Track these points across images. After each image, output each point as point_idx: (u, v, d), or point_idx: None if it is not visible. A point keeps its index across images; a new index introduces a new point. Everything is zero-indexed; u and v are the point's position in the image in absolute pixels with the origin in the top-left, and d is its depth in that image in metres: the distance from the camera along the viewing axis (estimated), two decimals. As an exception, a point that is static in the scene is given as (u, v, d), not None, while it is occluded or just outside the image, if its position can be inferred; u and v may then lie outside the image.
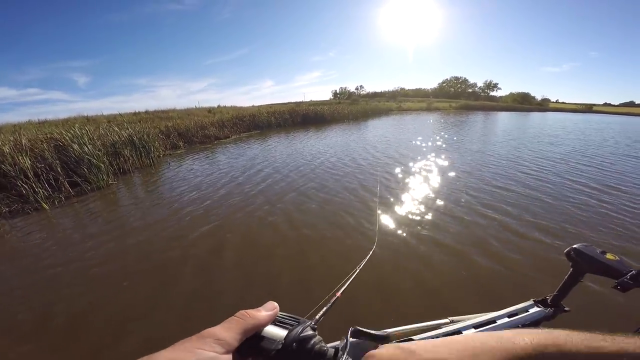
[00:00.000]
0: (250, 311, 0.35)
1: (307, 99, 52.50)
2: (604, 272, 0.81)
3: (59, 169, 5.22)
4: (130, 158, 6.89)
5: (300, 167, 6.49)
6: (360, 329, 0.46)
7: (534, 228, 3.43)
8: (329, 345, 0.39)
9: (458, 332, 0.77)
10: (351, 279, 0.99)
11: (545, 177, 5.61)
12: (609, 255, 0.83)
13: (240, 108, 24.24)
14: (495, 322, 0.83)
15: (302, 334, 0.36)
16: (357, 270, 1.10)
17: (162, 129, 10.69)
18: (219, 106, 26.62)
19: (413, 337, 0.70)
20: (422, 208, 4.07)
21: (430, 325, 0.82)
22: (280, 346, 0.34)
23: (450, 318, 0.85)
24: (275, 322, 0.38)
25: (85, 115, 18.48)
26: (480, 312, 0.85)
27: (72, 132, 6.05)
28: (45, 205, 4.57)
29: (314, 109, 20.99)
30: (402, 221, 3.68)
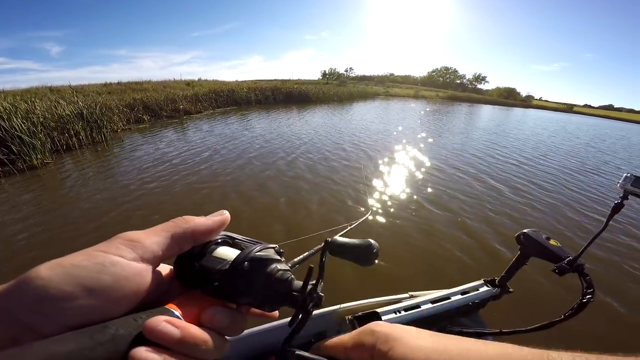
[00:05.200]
0: (188, 216, 0.27)
1: (296, 77, 50.96)
2: (546, 256, 0.87)
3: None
4: (80, 134, 6.23)
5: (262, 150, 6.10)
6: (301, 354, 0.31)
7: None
8: None
9: (417, 306, 0.83)
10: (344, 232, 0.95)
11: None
12: (552, 241, 0.89)
13: (222, 82, 23.03)
14: (450, 299, 0.89)
15: (258, 253, 0.27)
16: (349, 228, 1.07)
17: (129, 102, 9.86)
18: (199, 79, 25.23)
19: (377, 310, 0.76)
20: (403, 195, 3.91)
21: (392, 299, 0.89)
22: (227, 266, 0.26)
23: (410, 293, 0.92)
24: (231, 244, 0.30)
25: (50, 85, 16.85)
26: (440, 289, 0.92)
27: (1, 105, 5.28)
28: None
29: (299, 88, 20.29)
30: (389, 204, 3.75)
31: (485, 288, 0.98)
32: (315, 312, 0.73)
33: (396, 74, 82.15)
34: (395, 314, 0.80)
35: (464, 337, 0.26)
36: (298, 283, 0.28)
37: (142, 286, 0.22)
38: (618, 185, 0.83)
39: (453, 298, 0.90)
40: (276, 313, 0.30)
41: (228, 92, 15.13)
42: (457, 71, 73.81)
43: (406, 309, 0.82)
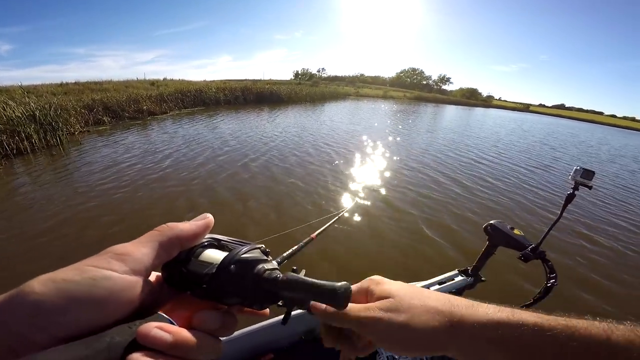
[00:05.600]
0: (172, 223, 0.27)
1: (267, 77, 50.47)
2: (511, 245, 0.94)
3: None
4: (33, 137, 5.89)
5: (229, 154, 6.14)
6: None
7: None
8: None
9: None
10: (328, 224, 1.50)
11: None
12: (516, 231, 0.97)
13: (189, 82, 22.32)
14: (429, 289, 0.93)
15: (244, 255, 0.27)
16: (334, 220, 1.69)
17: (88, 103, 9.36)
18: (165, 79, 24.21)
19: None
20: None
21: None
22: (214, 270, 0.26)
23: None
24: (217, 246, 0.30)
25: None
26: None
27: None
28: None
29: (270, 88, 20.15)
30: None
31: (460, 277, 1.05)
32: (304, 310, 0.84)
33: (366, 74, 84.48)
34: None
35: (431, 291, 0.36)
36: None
37: (135, 296, 0.23)
38: (569, 177, 0.91)
39: (432, 288, 0.95)
40: (267, 311, 0.31)
41: (195, 92, 14.75)
42: (423, 72, 77.16)
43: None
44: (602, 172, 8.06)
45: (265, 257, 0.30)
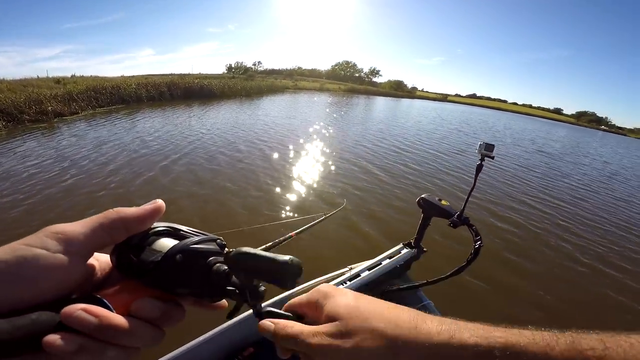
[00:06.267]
0: (119, 207, 0.28)
1: (196, 72, 47.44)
2: (441, 214, 1.05)
3: None
4: None
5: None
6: (270, 310, 0.34)
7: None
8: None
9: (357, 275, 0.96)
10: (309, 225, 1.19)
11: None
12: (443, 202, 1.07)
13: (103, 78, 19.98)
14: (381, 263, 1.05)
15: (194, 245, 0.27)
16: (318, 221, 1.23)
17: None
18: (73, 76, 21.18)
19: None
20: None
21: (336, 274, 1.00)
22: (159, 258, 0.26)
23: (350, 266, 1.02)
24: (173, 235, 0.30)
25: None
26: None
27: None
28: None
29: (200, 83, 19.20)
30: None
31: (405, 250, 1.14)
32: (267, 302, 0.83)
33: (304, 67, 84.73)
34: (343, 284, 0.95)
35: (377, 299, 0.34)
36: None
37: (70, 277, 0.23)
38: (476, 151, 1.05)
39: (383, 263, 1.06)
40: (223, 303, 0.31)
41: (112, 89, 13.46)
42: (356, 65, 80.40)
43: (350, 279, 0.97)
44: (508, 154, 9.97)
45: (220, 250, 0.29)
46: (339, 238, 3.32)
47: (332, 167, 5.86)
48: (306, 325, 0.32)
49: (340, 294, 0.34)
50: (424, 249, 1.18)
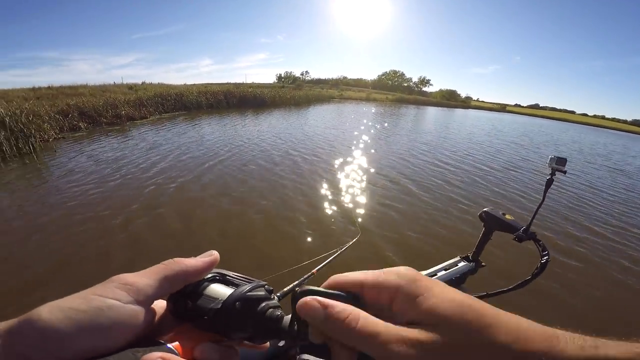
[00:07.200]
0: (179, 258, 0.29)
1: (249, 81, 50.18)
2: (505, 228, 1.02)
3: None
4: (3, 144, 5.63)
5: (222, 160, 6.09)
6: (312, 287, 0.29)
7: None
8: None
9: None
10: (330, 260, 1.09)
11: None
12: (507, 216, 1.04)
13: (168, 86, 21.88)
14: (436, 274, 1.02)
15: (249, 293, 0.29)
16: (339, 252, 1.15)
17: (62, 108, 9.04)
18: (143, 83, 23.61)
19: None
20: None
21: None
22: (219, 305, 0.27)
23: None
24: (223, 281, 0.31)
25: None
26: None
27: None
28: None
29: (254, 92, 20.09)
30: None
31: (462, 263, 1.12)
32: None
33: (349, 77, 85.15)
34: None
35: (483, 302, 0.24)
36: (287, 318, 0.29)
37: (137, 325, 0.24)
38: (547, 165, 1.02)
39: (439, 274, 1.03)
40: (267, 344, 0.32)
41: (176, 96, 14.52)
42: (404, 74, 78.51)
43: None
44: (574, 171, 8.41)
45: (269, 295, 0.31)
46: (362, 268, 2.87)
47: (369, 185, 5.15)
48: (387, 324, 0.23)
49: (436, 284, 0.25)
50: (482, 264, 1.13)
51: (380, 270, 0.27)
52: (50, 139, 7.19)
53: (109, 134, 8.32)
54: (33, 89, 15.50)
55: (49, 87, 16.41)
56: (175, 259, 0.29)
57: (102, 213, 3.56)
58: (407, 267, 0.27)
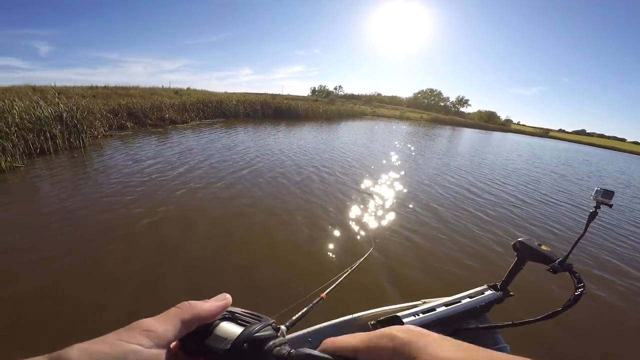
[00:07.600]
0: (193, 301, 0.31)
1: (285, 93, 51.79)
2: (540, 259, 0.99)
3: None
4: (57, 137, 6.01)
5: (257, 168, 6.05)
6: (308, 352, 0.29)
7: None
8: (307, 350, 0.29)
9: (433, 309, 0.92)
10: (339, 281, 1.03)
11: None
12: (543, 247, 1.01)
13: (210, 93, 23.01)
14: (460, 302, 0.99)
15: (257, 334, 0.31)
16: (349, 272, 1.11)
17: (113, 107, 9.69)
18: (188, 88, 25.11)
19: (398, 314, 0.83)
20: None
21: (408, 305, 0.96)
22: (229, 346, 0.30)
23: (423, 300, 0.99)
24: (232, 319, 0.33)
25: (33, 85, 16.25)
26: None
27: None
28: None
29: (288, 104, 20.54)
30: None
31: (489, 292, 1.08)
32: (337, 320, 0.86)
33: (383, 94, 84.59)
34: (414, 316, 0.90)
35: (493, 351, 0.22)
36: (295, 353, 0.29)
37: None
38: (592, 197, 0.98)
39: (463, 301, 1.00)
40: None
41: (216, 104, 15.13)
42: (441, 93, 76.12)
43: (423, 312, 0.91)
44: (619, 206, 7.47)
45: (275, 334, 0.32)
46: (371, 299, 2.53)
47: (390, 211, 4.60)
48: None
49: (431, 344, 0.23)
50: (511, 293, 1.08)
51: (375, 332, 0.27)
52: (99, 136, 7.62)
53: (151, 135, 8.70)
54: (91, 87, 16.95)
55: (105, 87, 17.87)
56: (190, 302, 0.31)
57: (134, 210, 3.56)
58: (406, 326, 0.26)
